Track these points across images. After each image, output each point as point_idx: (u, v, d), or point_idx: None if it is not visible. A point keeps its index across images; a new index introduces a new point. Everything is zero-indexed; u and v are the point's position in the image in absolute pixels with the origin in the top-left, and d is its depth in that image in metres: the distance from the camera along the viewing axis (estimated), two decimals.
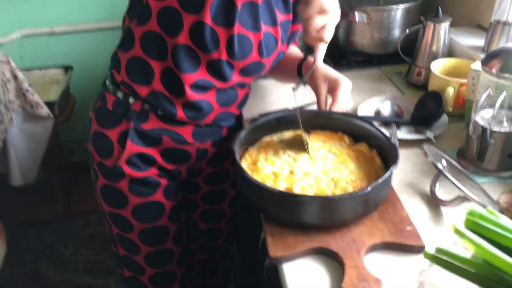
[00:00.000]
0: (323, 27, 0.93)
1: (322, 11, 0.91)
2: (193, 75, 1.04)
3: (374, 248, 0.87)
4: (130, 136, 1.09)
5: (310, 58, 1.16)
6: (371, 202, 0.86)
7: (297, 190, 0.91)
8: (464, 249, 0.61)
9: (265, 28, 1.04)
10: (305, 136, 1.06)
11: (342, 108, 1.07)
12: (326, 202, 0.84)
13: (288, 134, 1.09)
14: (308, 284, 0.82)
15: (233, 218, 1.44)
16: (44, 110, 2.09)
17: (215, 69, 1.04)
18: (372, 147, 1.03)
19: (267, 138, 1.08)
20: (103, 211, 1.22)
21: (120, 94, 1.09)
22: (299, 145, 1.04)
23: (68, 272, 2.24)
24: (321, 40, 0.94)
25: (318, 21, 0.91)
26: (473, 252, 0.58)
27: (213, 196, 1.35)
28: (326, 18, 0.92)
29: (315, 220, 0.85)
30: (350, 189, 0.91)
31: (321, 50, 0.99)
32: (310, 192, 0.91)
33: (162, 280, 1.30)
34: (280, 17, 1.08)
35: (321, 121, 1.09)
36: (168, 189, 1.19)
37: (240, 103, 1.19)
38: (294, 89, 1.04)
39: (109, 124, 1.11)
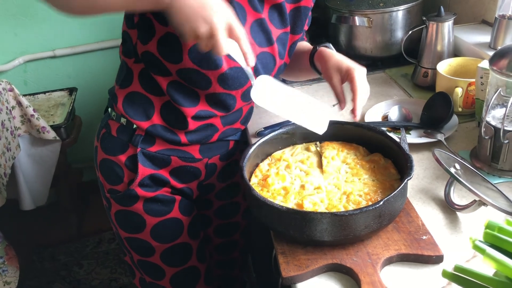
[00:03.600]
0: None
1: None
2: (194, 108, 1.03)
3: (390, 261, 0.84)
4: (140, 160, 1.08)
5: (321, 48, 1.10)
6: (385, 216, 0.83)
7: (308, 205, 0.88)
8: (486, 263, 0.58)
9: (259, 49, 1.02)
10: (317, 147, 1.04)
11: (363, 98, 1.00)
12: (336, 219, 0.81)
13: (300, 147, 1.07)
14: None
15: (247, 229, 1.42)
16: (51, 134, 2.09)
17: (216, 101, 1.04)
18: (387, 158, 1.00)
19: (278, 152, 1.06)
20: (121, 239, 1.20)
21: (123, 120, 1.08)
22: (311, 158, 1.02)
23: None
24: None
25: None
26: (495, 269, 0.55)
27: (226, 210, 1.33)
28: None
29: (326, 236, 0.83)
30: (363, 203, 0.88)
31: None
32: (322, 207, 0.88)
33: None
34: (277, 32, 1.06)
35: (333, 132, 1.06)
36: (183, 204, 1.18)
37: (245, 118, 1.18)
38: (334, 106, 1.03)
39: (116, 150, 1.10)
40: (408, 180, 0.86)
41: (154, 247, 1.16)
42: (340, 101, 1.03)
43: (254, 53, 0.97)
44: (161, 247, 1.17)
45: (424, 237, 0.86)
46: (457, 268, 0.58)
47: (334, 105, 1.34)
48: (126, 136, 1.08)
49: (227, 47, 0.82)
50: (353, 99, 0.98)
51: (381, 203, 0.81)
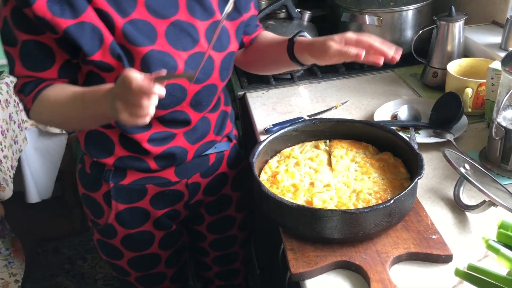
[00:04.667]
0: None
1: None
2: (147, 132, 0.99)
3: (399, 259, 0.84)
4: (113, 196, 1.07)
5: (300, 38, 1.04)
6: (395, 215, 0.83)
7: (317, 203, 0.89)
8: (498, 262, 0.58)
9: (186, 54, 0.94)
10: (326, 145, 1.04)
11: (377, 40, 0.91)
12: (346, 216, 0.81)
13: (309, 145, 1.07)
14: None
15: (246, 241, 1.37)
16: None
17: (167, 120, 0.99)
18: (397, 157, 1.00)
19: (287, 150, 1.06)
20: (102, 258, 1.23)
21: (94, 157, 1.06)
22: (321, 156, 1.02)
23: (88, 286, 2.25)
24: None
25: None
26: (508, 269, 0.55)
27: (219, 225, 1.27)
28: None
29: (336, 234, 0.83)
30: (373, 201, 0.88)
31: None
32: (331, 204, 0.89)
33: None
34: (204, 25, 0.97)
35: (343, 130, 1.06)
36: (164, 240, 1.17)
37: (218, 127, 1.11)
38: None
39: (91, 187, 1.09)
40: (418, 179, 0.86)
41: (130, 272, 1.19)
42: (355, 54, 0.90)
43: (182, 59, 0.93)
44: (137, 274, 1.20)
45: (433, 237, 0.85)
46: (470, 267, 0.58)
47: (343, 103, 1.34)
48: (98, 173, 1.07)
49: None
50: (374, 48, 0.90)
51: (392, 201, 0.81)
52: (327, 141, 1.07)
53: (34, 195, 2.21)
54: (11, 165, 1.89)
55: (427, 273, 0.81)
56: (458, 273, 0.59)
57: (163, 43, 0.92)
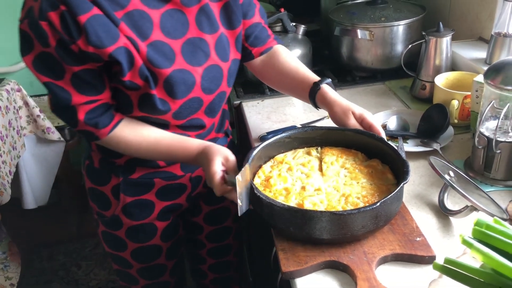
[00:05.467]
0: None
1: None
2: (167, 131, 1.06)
3: (385, 260, 0.88)
4: (122, 190, 1.12)
5: (323, 89, 1.11)
6: (382, 217, 0.87)
7: (308, 205, 0.92)
8: (473, 259, 0.63)
9: (201, 69, 1.01)
10: (318, 152, 1.08)
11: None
12: (335, 217, 0.85)
13: (301, 151, 1.11)
14: None
15: (239, 232, 1.44)
16: (55, 135, 2.14)
17: (185, 126, 1.07)
18: (385, 163, 1.04)
19: (280, 155, 1.10)
20: (105, 251, 1.28)
21: (103, 154, 1.12)
22: (312, 162, 1.07)
23: None
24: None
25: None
26: (482, 262, 0.59)
27: (216, 215, 1.34)
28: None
29: (325, 234, 0.87)
30: (361, 204, 0.92)
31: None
32: (321, 207, 0.92)
33: None
34: (212, 39, 1.02)
35: (334, 138, 1.10)
36: (165, 231, 1.22)
37: (219, 125, 1.19)
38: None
39: (100, 181, 1.15)
40: (404, 184, 0.90)
41: (133, 264, 1.24)
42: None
43: (198, 74, 1.00)
44: (139, 265, 1.25)
45: (417, 239, 0.89)
46: (447, 261, 0.62)
47: None
48: (108, 168, 1.13)
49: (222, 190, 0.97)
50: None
51: (378, 204, 0.85)
52: (319, 148, 1.11)
53: (30, 201, 2.23)
54: (9, 171, 1.92)
55: (411, 273, 0.85)
56: (436, 266, 0.63)
57: (181, 62, 0.97)
